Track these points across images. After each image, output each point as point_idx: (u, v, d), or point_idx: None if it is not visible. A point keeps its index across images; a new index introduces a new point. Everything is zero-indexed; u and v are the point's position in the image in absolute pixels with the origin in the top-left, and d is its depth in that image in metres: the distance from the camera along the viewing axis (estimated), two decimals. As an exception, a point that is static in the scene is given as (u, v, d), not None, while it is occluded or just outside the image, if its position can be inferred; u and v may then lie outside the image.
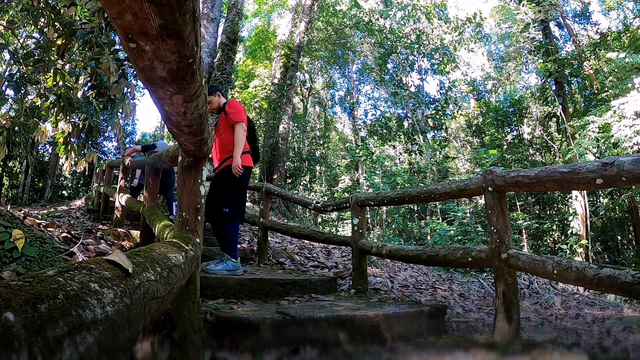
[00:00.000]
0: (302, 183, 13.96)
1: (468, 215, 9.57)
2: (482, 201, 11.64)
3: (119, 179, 5.20)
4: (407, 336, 2.21)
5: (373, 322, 2.14)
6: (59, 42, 3.58)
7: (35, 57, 3.81)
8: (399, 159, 15.41)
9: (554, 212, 12.36)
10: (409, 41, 13.52)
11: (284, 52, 12.30)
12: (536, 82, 15.08)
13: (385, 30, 13.55)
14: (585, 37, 14.05)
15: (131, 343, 0.77)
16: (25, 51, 4.17)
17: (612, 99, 8.89)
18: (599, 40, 12.46)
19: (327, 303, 2.59)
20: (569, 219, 9.82)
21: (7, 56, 11.52)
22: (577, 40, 12.91)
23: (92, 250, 2.77)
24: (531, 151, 14.72)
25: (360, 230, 3.40)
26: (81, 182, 16.83)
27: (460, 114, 17.22)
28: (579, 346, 2.21)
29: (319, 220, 13.32)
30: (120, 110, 3.82)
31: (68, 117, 4.08)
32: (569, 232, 9.62)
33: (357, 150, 11.86)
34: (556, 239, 11.81)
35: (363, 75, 18.72)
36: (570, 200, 10.59)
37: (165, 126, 1.80)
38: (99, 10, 3.15)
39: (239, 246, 4.81)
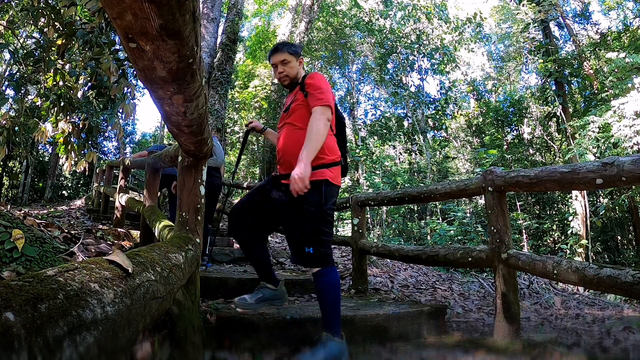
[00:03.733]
0: (302, 183, 13.90)
1: (468, 215, 9.57)
2: (482, 201, 11.64)
3: (119, 179, 5.20)
4: (407, 336, 2.21)
5: (373, 322, 2.15)
6: (59, 42, 3.58)
7: (35, 57, 3.81)
8: (399, 159, 15.41)
9: (554, 212, 12.36)
10: (409, 41, 13.52)
11: (284, 52, 12.29)
12: (536, 82, 15.09)
13: (385, 30, 13.55)
14: (585, 37, 14.05)
15: (131, 343, 0.77)
16: (25, 51, 4.17)
17: (612, 99, 8.88)
18: (599, 40, 12.46)
19: (327, 303, 2.59)
20: (569, 219, 9.82)
21: (7, 56, 11.53)
22: (577, 40, 12.91)
23: (92, 250, 2.77)
24: (531, 151, 14.72)
25: (360, 230, 3.40)
26: (81, 182, 16.82)
27: (460, 114, 17.23)
28: (579, 346, 2.21)
29: (319, 220, 13.27)
30: (120, 110, 3.82)
31: (68, 117, 4.08)
32: (569, 232, 9.61)
33: (357, 150, 11.86)
34: (556, 239, 11.80)
35: (363, 75, 18.72)
36: (570, 200, 10.59)
37: (165, 126, 1.79)
38: (99, 10, 3.14)
39: (237, 246, 4.79)
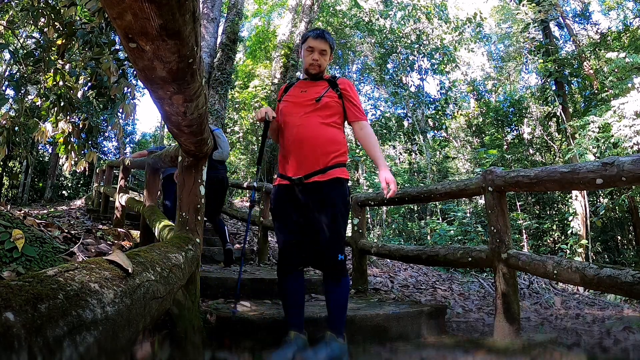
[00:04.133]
0: (302, 183, 13.89)
1: (468, 215, 9.57)
2: (482, 201, 11.64)
3: (119, 179, 5.20)
4: (407, 336, 2.21)
5: (373, 322, 2.15)
6: (59, 42, 3.58)
7: (35, 57, 3.81)
8: (399, 159, 15.41)
9: (554, 212, 12.35)
10: (409, 41, 13.51)
11: (284, 52, 12.30)
12: (536, 82, 15.09)
13: (385, 30, 13.54)
14: (585, 37, 14.05)
15: (131, 343, 0.77)
16: (25, 51, 4.17)
17: (612, 99, 8.88)
18: (599, 40, 12.46)
19: (327, 303, 2.59)
20: (569, 219, 9.82)
21: (7, 56, 11.53)
22: (577, 40, 12.91)
23: (92, 250, 2.77)
24: (531, 151, 14.71)
25: (360, 230, 3.40)
26: (81, 182, 16.82)
27: (460, 114, 17.22)
28: (579, 346, 2.21)
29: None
30: (120, 110, 3.82)
31: (68, 117, 4.08)
32: (569, 232, 9.61)
33: (357, 150, 11.85)
34: (556, 239, 11.79)
35: (363, 75, 18.70)
36: (570, 200, 10.58)
37: (165, 126, 1.79)
38: (99, 10, 3.14)
39: (238, 246, 4.79)
